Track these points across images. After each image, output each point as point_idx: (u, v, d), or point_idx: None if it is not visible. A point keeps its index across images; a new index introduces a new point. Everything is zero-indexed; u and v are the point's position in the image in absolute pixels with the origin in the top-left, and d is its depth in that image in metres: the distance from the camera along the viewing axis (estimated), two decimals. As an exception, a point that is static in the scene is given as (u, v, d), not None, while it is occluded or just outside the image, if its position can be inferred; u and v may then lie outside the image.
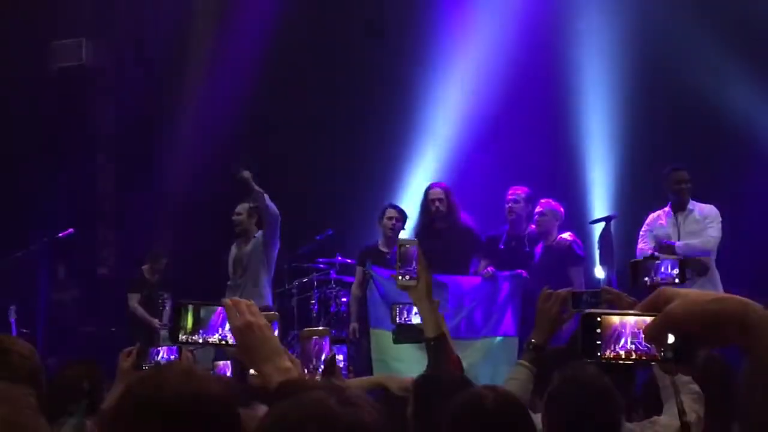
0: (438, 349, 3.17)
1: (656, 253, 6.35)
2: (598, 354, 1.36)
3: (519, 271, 7.63)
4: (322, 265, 9.47)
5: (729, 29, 8.81)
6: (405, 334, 4.12)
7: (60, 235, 9.25)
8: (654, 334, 1.28)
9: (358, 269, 8.41)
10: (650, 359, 1.35)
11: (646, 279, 3.55)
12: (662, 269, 3.76)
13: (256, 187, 8.16)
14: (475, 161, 9.69)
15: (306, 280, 9.42)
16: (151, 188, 8.61)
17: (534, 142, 9.45)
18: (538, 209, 7.82)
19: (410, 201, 8.98)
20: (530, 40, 9.53)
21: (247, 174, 8.12)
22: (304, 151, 10.41)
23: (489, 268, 7.72)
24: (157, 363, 3.70)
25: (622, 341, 1.35)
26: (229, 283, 8.61)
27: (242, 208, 8.62)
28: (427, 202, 8.03)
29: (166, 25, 10.84)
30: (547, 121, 9.52)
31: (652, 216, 7.82)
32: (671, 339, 1.29)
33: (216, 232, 9.12)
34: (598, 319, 1.36)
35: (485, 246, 8.03)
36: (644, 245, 7.66)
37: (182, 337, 2.24)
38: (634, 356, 1.35)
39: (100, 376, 3.91)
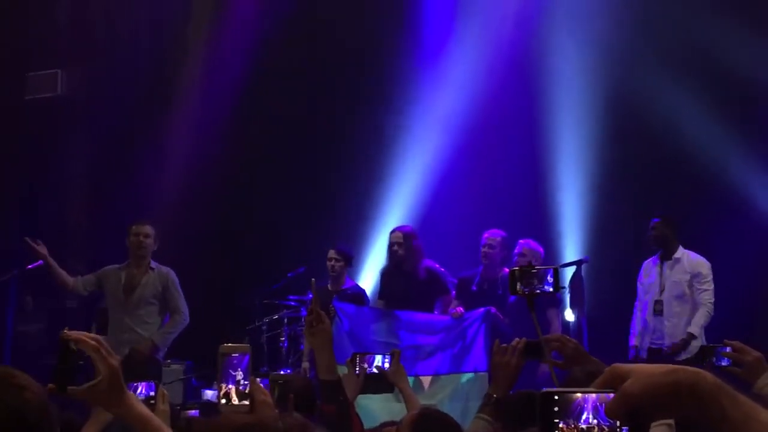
0: (331, 392, 3.21)
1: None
2: None
3: (488, 307, 7.62)
4: (293, 302, 9.43)
5: (708, 79, 8.88)
6: (372, 384, 4.14)
7: (29, 266, 9.13)
8: (615, 413, 1.32)
9: None
10: None
11: (521, 287, 3.55)
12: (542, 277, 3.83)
13: (164, 343, 7.60)
14: (447, 202, 9.72)
15: (276, 317, 9.36)
16: (124, 221, 8.52)
17: (507, 184, 9.50)
18: (517, 250, 7.77)
19: (383, 240, 8.98)
20: (504, 83, 9.61)
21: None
22: (279, 186, 10.40)
23: (458, 309, 7.70)
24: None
25: (584, 416, 1.36)
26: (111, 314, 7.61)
27: (150, 230, 7.55)
28: (389, 245, 8.12)
29: (143, 59, 10.84)
30: (521, 163, 9.57)
31: (645, 264, 7.92)
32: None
33: (190, 271, 9.01)
34: (556, 397, 1.37)
35: (457, 286, 8.03)
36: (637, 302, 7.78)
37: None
38: (596, 430, 1.36)
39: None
